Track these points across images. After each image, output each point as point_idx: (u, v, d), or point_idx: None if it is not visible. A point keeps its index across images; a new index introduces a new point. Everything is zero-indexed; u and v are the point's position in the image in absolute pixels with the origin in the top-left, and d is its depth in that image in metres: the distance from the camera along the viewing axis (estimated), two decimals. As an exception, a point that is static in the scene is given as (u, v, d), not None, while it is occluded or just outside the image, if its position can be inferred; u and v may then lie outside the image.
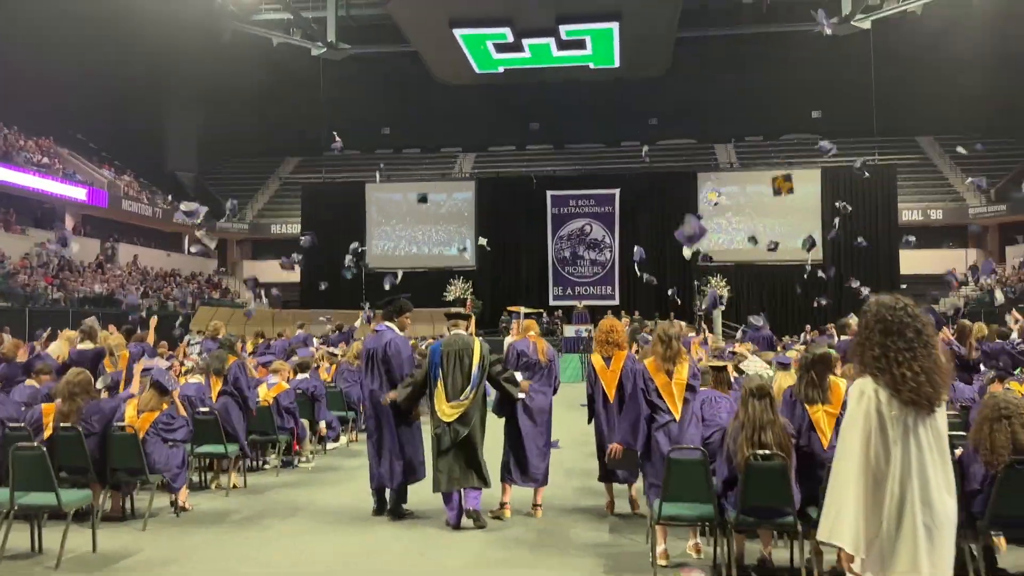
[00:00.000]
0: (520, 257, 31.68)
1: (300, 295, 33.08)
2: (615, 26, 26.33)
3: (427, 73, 38.82)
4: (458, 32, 26.85)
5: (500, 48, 27.61)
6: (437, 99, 40.26)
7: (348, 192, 33.22)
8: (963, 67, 33.14)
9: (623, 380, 6.69)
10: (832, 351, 5.56)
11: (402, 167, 39.80)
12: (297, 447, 9.09)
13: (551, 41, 27.23)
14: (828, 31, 11.24)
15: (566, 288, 31.12)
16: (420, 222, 32.65)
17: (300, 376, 9.62)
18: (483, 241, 27.10)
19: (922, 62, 34.58)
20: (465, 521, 6.49)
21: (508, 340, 12.94)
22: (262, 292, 17.33)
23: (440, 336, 7.17)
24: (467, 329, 7.03)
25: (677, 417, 5.72)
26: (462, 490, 6.53)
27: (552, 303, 30.18)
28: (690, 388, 5.77)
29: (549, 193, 31.61)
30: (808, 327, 24.31)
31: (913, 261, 31.62)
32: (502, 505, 6.89)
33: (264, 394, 8.56)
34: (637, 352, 7.41)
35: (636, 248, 20.13)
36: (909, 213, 33.83)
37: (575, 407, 7.26)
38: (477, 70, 29.72)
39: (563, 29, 26.28)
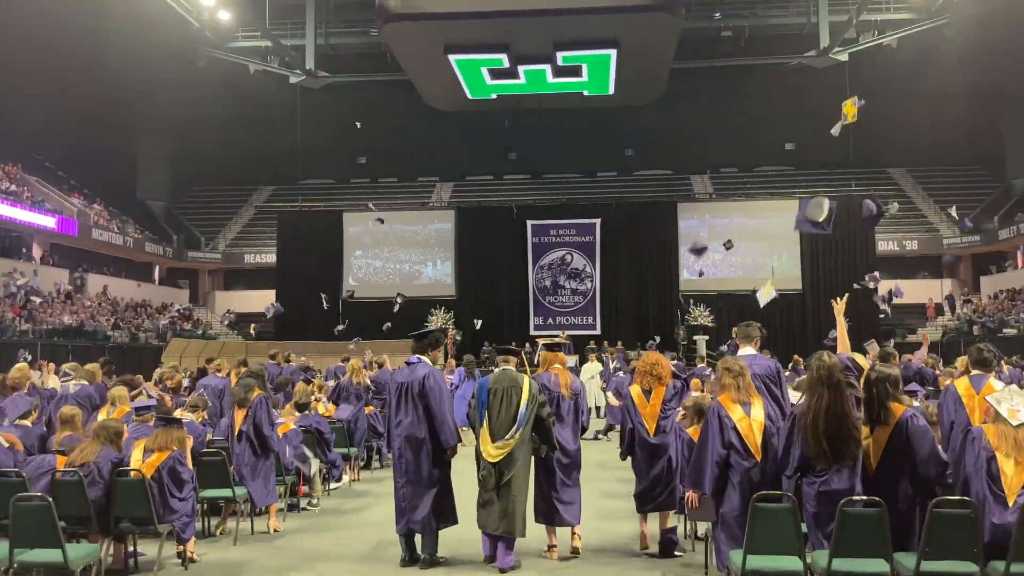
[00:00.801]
0: (501, 287, 31.39)
1: (275, 326, 32.42)
2: (613, 53, 26.10)
3: (404, 102, 38.70)
4: (453, 58, 26.38)
5: (495, 74, 27.20)
6: (414, 128, 40.04)
7: (325, 221, 32.74)
8: (935, 99, 33.66)
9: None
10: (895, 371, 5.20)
11: (379, 196, 39.42)
12: (303, 489, 8.60)
13: (547, 67, 26.89)
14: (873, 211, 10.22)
15: (547, 318, 30.85)
16: (399, 251, 32.26)
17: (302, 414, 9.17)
18: (477, 324, 27.71)
19: (895, 95, 35.01)
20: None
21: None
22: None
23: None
24: (516, 365, 6.73)
25: (758, 459, 5.31)
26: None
27: (533, 333, 29.83)
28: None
29: (529, 222, 31.43)
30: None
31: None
32: (550, 547, 6.64)
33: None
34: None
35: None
36: (885, 243, 34.12)
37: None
38: (470, 96, 29.27)
39: (560, 55, 25.95)
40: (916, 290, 35.51)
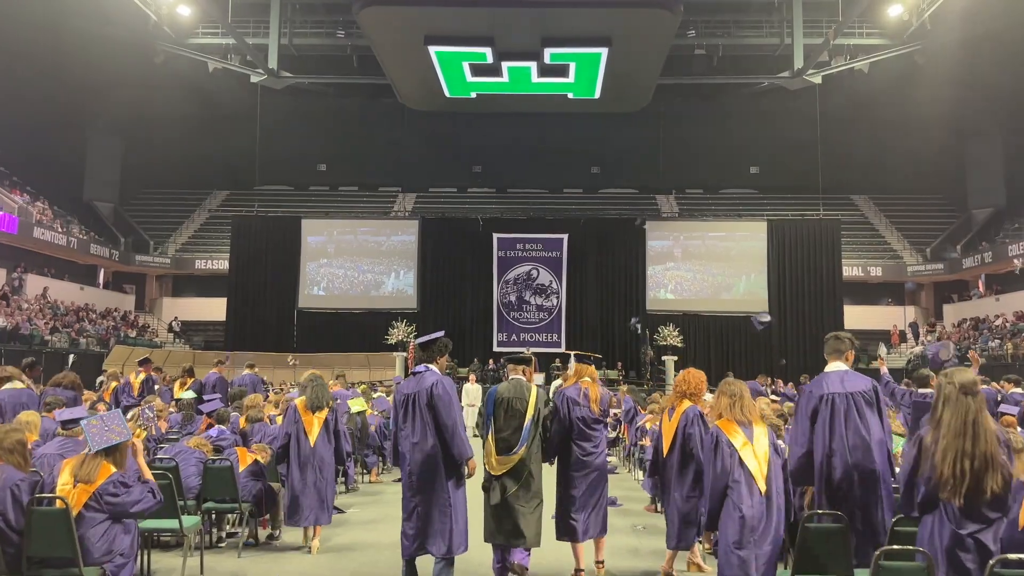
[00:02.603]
0: (464, 300, 30.44)
1: (225, 335, 31.02)
2: (604, 52, 24.54)
3: (368, 109, 37.72)
4: (434, 49, 24.44)
5: (477, 71, 25.59)
6: (377, 137, 39.11)
7: (282, 227, 31.44)
8: (901, 127, 33.82)
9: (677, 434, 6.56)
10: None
11: (339, 205, 38.28)
12: (266, 519, 7.52)
13: (532, 65, 25.20)
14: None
15: (511, 334, 29.94)
16: (359, 261, 31.11)
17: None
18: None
19: (861, 122, 35.23)
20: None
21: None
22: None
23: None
24: (528, 375, 6.32)
25: (763, 491, 4.84)
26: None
27: (496, 349, 28.93)
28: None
29: (496, 235, 30.57)
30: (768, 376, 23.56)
31: (853, 317, 31.57)
32: (577, 572, 6.35)
33: (243, 454, 7.04)
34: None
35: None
36: (849, 269, 33.95)
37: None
38: (448, 95, 27.66)
39: (548, 52, 24.31)
40: (880, 317, 35.53)
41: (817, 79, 29.46)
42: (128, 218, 39.44)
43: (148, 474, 4.93)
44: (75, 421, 6.21)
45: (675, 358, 26.62)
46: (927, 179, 38.34)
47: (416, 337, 27.66)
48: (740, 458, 4.89)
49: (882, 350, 12.08)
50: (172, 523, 5.86)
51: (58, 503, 4.54)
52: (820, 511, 4.46)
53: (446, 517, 5.63)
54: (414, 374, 6.03)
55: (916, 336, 33.15)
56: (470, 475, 5.82)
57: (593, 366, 6.88)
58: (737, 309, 29.82)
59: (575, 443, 6.40)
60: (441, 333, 6.19)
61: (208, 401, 9.49)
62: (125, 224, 38.89)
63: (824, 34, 28.29)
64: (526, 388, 6.17)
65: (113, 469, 4.70)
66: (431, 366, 5.96)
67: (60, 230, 32.78)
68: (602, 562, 6.52)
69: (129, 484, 4.72)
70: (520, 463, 5.96)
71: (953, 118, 33.01)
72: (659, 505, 9.39)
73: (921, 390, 8.53)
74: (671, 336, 27.33)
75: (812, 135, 31.28)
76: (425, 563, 5.72)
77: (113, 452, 4.73)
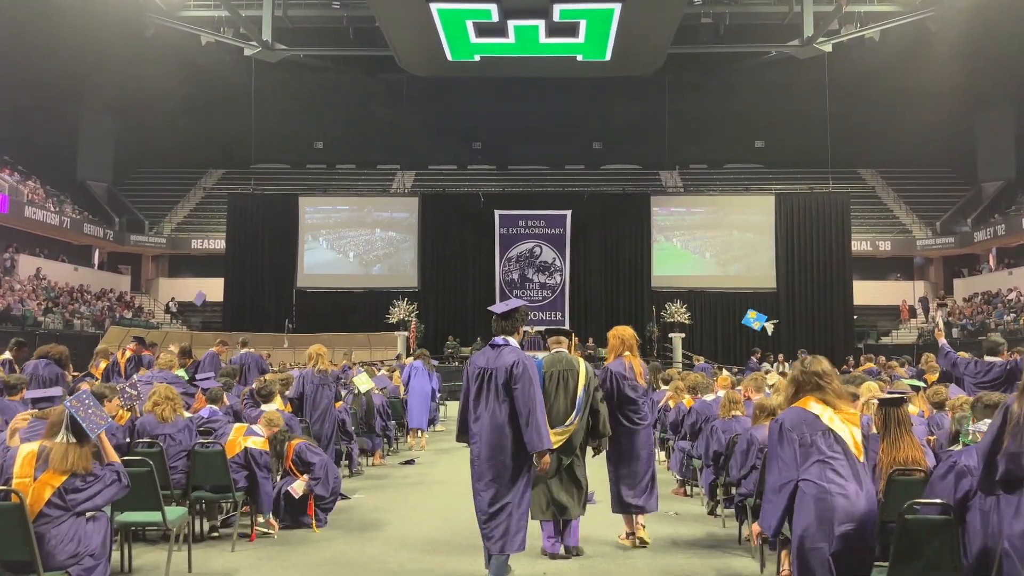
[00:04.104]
0: (466, 279, 29.78)
1: (223, 315, 30.39)
2: (617, 8, 23.17)
3: (365, 84, 36.93)
4: (436, 7, 23.17)
5: (481, 31, 24.24)
6: (375, 113, 38.38)
7: (279, 205, 30.70)
8: (911, 98, 33.09)
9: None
10: None
11: (337, 183, 37.53)
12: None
13: (540, 24, 23.90)
14: None
15: (514, 313, 29.26)
16: (359, 239, 30.43)
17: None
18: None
19: (870, 93, 34.49)
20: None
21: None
22: None
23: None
24: (570, 348, 6.23)
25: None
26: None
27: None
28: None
29: (497, 212, 29.84)
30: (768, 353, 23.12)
31: (861, 292, 31.01)
32: (629, 535, 6.49)
33: (234, 438, 6.41)
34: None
35: None
36: (858, 244, 33.27)
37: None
38: (450, 58, 26.49)
39: (557, 9, 23.02)
40: (889, 292, 34.94)
41: (827, 47, 28.67)
42: (122, 197, 38.71)
43: (113, 455, 4.26)
44: (49, 400, 5.60)
45: (682, 335, 26.04)
46: (937, 152, 37.64)
47: (416, 317, 27.22)
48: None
49: (940, 321, 11.41)
50: (155, 516, 5.21)
51: (12, 497, 3.84)
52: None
53: (511, 509, 5.19)
54: (492, 346, 5.49)
55: (926, 311, 32.55)
56: (541, 471, 5.40)
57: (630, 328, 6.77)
58: (744, 285, 29.27)
59: (624, 415, 6.40)
60: (520, 302, 5.77)
61: (203, 379, 8.88)
62: (119, 204, 38.16)
63: (835, 1, 27.46)
64: (573, 360, 6.09)
65: (84, 464, 4.02)
66: (510, 339, 5.47)
67: (52, 210, 32.06)
68: (643, 525, 6.58)
69: (97, 473, 4.07)
70: (574, 435, 5.94)
71: (964, 89, 32.31)
72: (689, 488, 8.84)
73: (989, 358, 7.86)
74: (678, 313, 26.71)
75: (819, 108, 30.57)
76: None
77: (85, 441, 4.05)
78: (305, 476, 6.94)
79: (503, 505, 5.18)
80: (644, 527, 6.51)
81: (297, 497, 6.86)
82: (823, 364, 4.22)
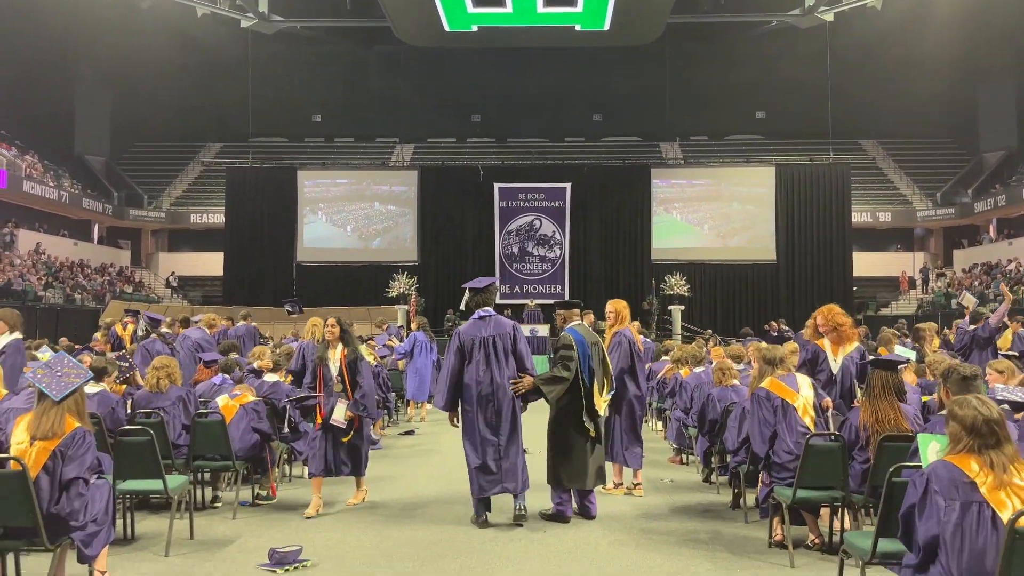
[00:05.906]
0: (465, 252, 29.78)
1: (223, 289, 30.45)
2: None
3: (363, 56, 36.67)
4: None
5: (478, 0, 24.44)
6: (373, 86, 38.21)
7: (278, 179, 30.63)
8: (912, 68, 32.88)
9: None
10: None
11: (335, 156, 37.39)
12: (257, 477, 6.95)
13: None
14: None
15: (514, 286, 29.32)
16: (358, 213, 30.40)
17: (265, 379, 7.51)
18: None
19: (871, 63, 34.30)
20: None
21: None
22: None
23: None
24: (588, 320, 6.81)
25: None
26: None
27: (499, 301, 28.34)
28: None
29: (496, 185, 29.77)
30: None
31: (861, 263, 31.03)
32: (617, 485, 7.19)
33: (226, 404, 6.46)
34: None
35: None
36: (858, 215, 33.24)
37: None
38: (447, 28, 26.29)
39: None
40: (889, 263, 34.96)
41: (828, 16, 28.43)
42: (120, 172, 38.62)
43: (87, 424, 4.22)
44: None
45: (682, 307, 26.09)
46: (937, 122, 37.45)
47: (417, 290, 27.24)
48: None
49: (968, 299, 11.58)
50: (156, 484, 5.28)
51: (12, 464, 3.88)
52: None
53: (520, 457, 6.08)
54: (481, 318, 6.18)
55: (926, 282, 32.59)
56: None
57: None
58: (744, 257, 29.30)
59: (635, 379, 7.06)
60: (492, 280, 6.61)
61: (208, 352, 8.95)
62: (118, 178, 38.08)
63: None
64: (593, 332, 6.62)
65: (77, 423, 4.05)
66: (490, 309, 6.27)
67: (51, 184, 32.00)
68: (639, 484, 7.21)
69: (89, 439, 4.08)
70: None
71: (965, 58, 32.11)
72: (685, 456, 8.93)
73: (971, 326, 8.13)
74: (678, 285, 26.69)
75: (819, 78, 30.33)
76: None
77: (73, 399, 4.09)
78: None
79: (519, 450, 6.06)
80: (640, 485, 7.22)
81: (344, 426, 6.52)
82: (992, 409, 3.14)
